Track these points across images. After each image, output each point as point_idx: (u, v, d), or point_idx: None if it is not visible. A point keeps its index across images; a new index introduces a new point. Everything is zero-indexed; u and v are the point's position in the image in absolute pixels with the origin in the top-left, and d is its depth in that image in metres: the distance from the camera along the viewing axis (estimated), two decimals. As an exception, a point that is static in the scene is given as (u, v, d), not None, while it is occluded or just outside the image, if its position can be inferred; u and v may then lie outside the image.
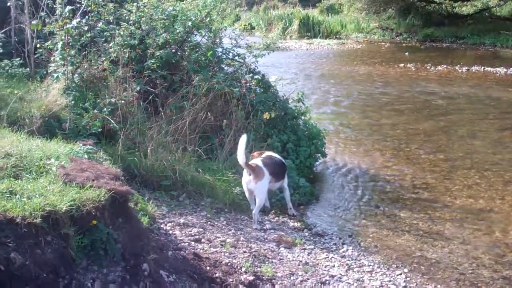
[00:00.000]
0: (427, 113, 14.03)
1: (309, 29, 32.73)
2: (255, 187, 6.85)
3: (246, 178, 6.89)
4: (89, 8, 8.48)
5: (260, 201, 6.88)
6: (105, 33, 8.47)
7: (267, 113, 8.61)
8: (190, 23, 8.96)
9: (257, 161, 7.04)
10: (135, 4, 8.89)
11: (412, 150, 10.75)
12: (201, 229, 6.13)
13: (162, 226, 5.82)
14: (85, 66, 7.95)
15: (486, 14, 31.98)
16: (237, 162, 7.67)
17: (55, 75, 7.75)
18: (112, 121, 7.27)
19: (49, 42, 8.10)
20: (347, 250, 6.53)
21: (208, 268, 5.11)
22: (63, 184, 4.20)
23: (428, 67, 21.02)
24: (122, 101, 7.61)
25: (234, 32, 10.30)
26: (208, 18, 9.22)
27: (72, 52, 7.73)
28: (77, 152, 4.98)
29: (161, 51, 8.47)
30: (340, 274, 5.79)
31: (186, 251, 5.27)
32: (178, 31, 8.90)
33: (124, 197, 4.46)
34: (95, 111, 7.26)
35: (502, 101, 15.38)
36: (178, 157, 7.35)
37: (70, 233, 3.88)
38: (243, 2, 43.35)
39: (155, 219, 5.65)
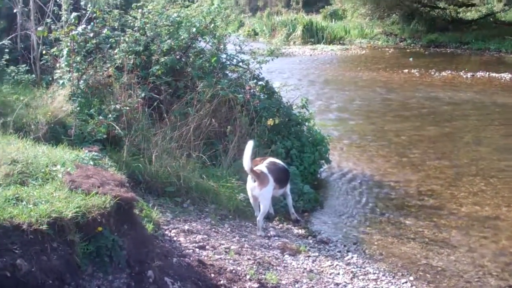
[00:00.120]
0: (432, 119, 14.02)
1: (312, 34, 32.80)
2: (260, 193, 6.85)
3: (251, 184, 6.89)
4: (94, 15, 8.51)
5: (265, 207, 6.88)
6: (110, 40, 8.49)
7: (271, 119, 8.61)
8: (194, 30, 8.98)
9: (261, 167, 7.04)
10: (140, 10, 8.92)
11: (417, 157, 10.73)
12: (206, 236, 6.12)
13: (166, 232, 5.81)
14: (91, 73, 7.97)
15: (491, 19, 31.98)
16: (240, 169, 7.68)
17: (61, 81, 7.76)
18: (117, 127, 7.28)
19: (55, 48, 8.13)
20: (352, 257, 6.50)
21: (212, 275, 5.10)
22: (69, 191, 4.21)
23: (433, 73, 21.02)
24: (127, 108, 7.62)
25: (238, 38, 10.32)
26: (213, 25, 9.24)
27: (78, 58, 7.75)
28: (82, 159, 4.99)
29: (165, 57, 8.49)
30: (345, 282, 5.78)
31: (191, 258, 5.26)
32: (182, 37, 8.92)
33: (129, 204, 4.46)
34: (100, 117, 7.27)
35: (508, 107, 15.36)
36: (182, 164, 7.35)
37: (75, 239, 3.88)
38: (247, 8, 43.47)
39: (160, 225, 5.65)
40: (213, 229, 6.48)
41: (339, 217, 7.96)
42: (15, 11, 8.86)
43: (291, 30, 33.71)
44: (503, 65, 23.10)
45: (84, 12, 8.58)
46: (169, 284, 4.52)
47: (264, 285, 5.22)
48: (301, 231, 7.24)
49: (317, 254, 6.46)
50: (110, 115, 7.36)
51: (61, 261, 3.76)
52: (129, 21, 9.06)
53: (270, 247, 6.40)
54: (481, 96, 16.89)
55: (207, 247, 5.79)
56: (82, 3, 8.54)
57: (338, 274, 5.97)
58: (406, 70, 21.69)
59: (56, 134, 6.84)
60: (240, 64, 9.77)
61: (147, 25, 8.79)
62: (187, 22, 9.05)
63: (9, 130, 6.17)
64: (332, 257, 6.46)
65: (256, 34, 35.80)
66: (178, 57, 8.84)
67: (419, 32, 31.85)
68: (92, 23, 8.40)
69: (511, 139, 12.02)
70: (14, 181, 4.28)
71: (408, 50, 28.91)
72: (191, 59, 8.99)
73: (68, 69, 7.78)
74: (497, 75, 20.23)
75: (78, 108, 7.32)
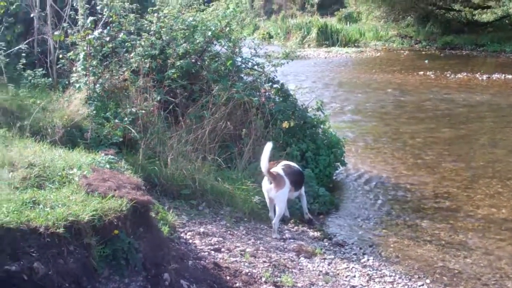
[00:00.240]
0: (448, 121, 13.94)
1: (327, 37, 32.76)
2: (276, 195, 6.86)
3: (267, 186, 6.89)
4: (111, 19, 8.57)
5: (280, 210, 6.87)
6: (126, 44, 8.54)
7: (286, 122, 8.61)
8: (210, 33, 9.01)
9: (278, 169, 7.05)
10: (155, 14, 8.97)
11: (432, 159, 10.67)
12: (221, 238, 6.13)
13: (182, 235, 5.84)
14: (107, 76, 8.02)
15: (507, 21, 31.73)
16: (255, 171, 7.70)
17: (77, 85, 7.82)
18: (133, 130, 7.32)
19: (71, 52, 8.18)
20: (368, 260, 6.48)
21: (228, 277, 5.10)
22: (86, 194, 4.24)
23: (448, 75, 20.90)
24: (143, 111, 7.66)
25: (253, 42, 10.34)
26: (228, 28, 9.27)
27: (94, 62, 7.80)
28: (99, 162, 5.03)
29: (181, 61, 8.52)
30: (361, 284, 5.76)
31: (206, 261, 5.27)
32: (198, 41, 8.95)
33: (146, 207, 4.49)
34: (116, 120, 7.32)
35: (524, 109, 15.24)
36: (197, 166, 7.37)
37: (92, 242, 3.91)
38: (262, 11, 43.52)
39: (175, 228, 5.67)
40: (229, 232, 6.49)
41: (355, 220, 7.94)
42: (32, 15, 8.94)
43: (305, 33, 33.68)
44: (519, 67, 22.91)
45: (100, 16, 8.63)
46: (185, 286, 4.53)
47: (279, 288, 5.22)
48: (317, 234, 7.22)
49: (332, 256, 6.44)
50: (126, 119, 7.40)
51: (78, 264, 3.79)
52: (145, 25, 9.12)
53: (286, 250, 6.39)
54: (497, 98, 16.77)
55: (222, 249, 5.80)
56: (98, 7, 8.59)
57: (354, 276, 5.95)
58: (421, 72, 21.59)
59: (72, 137, 6.89)
60: (255, 67, 9.78)
61: (163, 29, 8.83)
62: (203, 26, 9.08)
63: (26, 134, 6.22)
64: (348, 259, 6.44)
65: (270, 37, 35.84)
66: (193, 60, 8.87)
67: (434, 34, 31.69)
68: (108, 27, 8.46)
69: (528, 141, 11.91)
70: (31, 184, 4.32)
71: (423, 52, 28.78)
72: (206, 63, 9.03)
73: (84, 73, 7.84)
74: (513, 77, 20.07)
75: (94, 112, 7.37)
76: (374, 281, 5.90)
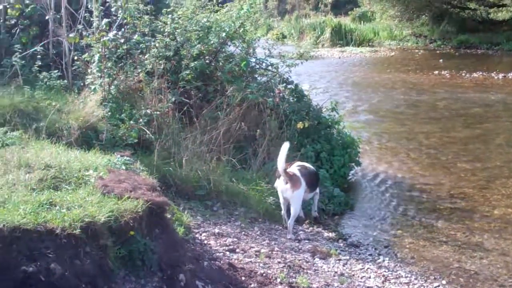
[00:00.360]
0: (463, 121, 13.83)
1: (341, 37, 32.62)
2: (292, 195, 6.83)
3: (283, 186, 6.87)
4: (125, 21, 8.61)
5: (295, 210, 6.86)
6: (140, 45, 8.57)
7: (300, 122, 8.60)
8: (224, 34, 9.02)
9: (294, 169, 7.03)
10: (170, 16, 8.99)
11: (448, 159, 10.60)
12: (236, 239, 6.14)
13: (197, 236, 5.85)
14: (121, 78, 8.05)
15: (523, 20, 31.44)
16: (270, 172, 7.70)
17: (92, 87, 7.86)
18: (148, 131, 7.35)
19: (86, 54, 8.23)
20: (383, 261, 6.46)
21: (243, 278, 5.11)
22: (102, 195, 4.27)
23: (463, 74, 20.74)
24: (158, 112, 7.69)
25: (267, 42, 10.34)
26: (242, 29, 9.27)
27: (109, 64, 7.84)
28: (114, 163, 5.05)
29: (195, 62, 8.54)
30: (376, 285, 5.74)
31: (221, 261, 5.28)
32: (212, 42, 8.97)
33: (161, 208, 4.51)
34: (131, 122, 7.35)
35: (541, 108, 15.10)
36: (212, 167, 7.39)
37: (108, 243, 3.94)
38: (275, 11, 43.49)
39: (190, 229, 5.69)
40: (243, 232, 6.49)
41: (370, 220, 7.91)
42: (47, 18, 9.00)
43: (319, 33, 33.58)
44: (536, 65, 22.67)
45: (114, 18, 8.67)
46: (200, 287, 4.55)
47: (295, 289, 5.21)
48: (332, 234, 7.20)
49: (348, 257, 6.43)
50: (141, 120, 7.43)
51: (94, 265, 3.81)
52: (159, 27, 9.14)
53: (300, 251, 6.38)
54: (514, 97, 16.63)
55: (237, 250, 5.81)
56: (112, 9, 8.63)
57: (370, 277, 5.93)
58: (436, 72, 21.44)
59: (88, 139, 6.94)
60: (269, 67, 9.77)
61: (177, 30, 8.85)
62: (217, 26, 9.09)
63: (42, 135, 6.28)
64: (363, 260, 6.42)
65: (284, 37, 35.79)
66: (208, 61, 8.89)
67: (449, 33, 31.42)
68: (122, 29, 8.50)
69: (544, 140, 11.80)
70: (48, 186, 4.36)
71: (438, 52, 28.57)
72: (220, 64, 9.03)
73: (99, 74, 7.88)
74: (530, 76, 19.88)
75: (109, 113, 7.41)
76: (390, 282, 5.88)
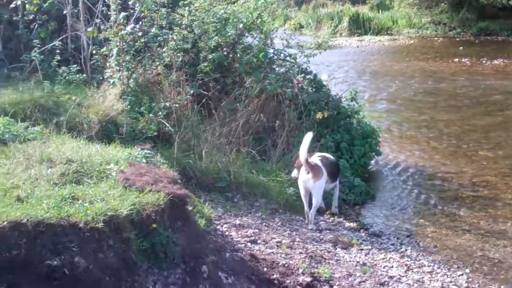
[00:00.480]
0: (484, 108, 13.68)
1: (359, 26, 32.33)
2: (313, 186, 6.80)
3: (304, 177, 6.84)
4: (142, 14, 8.61)
5: (317, 201, 6.84)
6: (158, 38, 8.57)
7: (320, 113, 8.56)
8: (241, 25, 8.99)
9: (315, 159, 7.01)
10: (187, 8, 8.97)
11: (469, 147, 10.50)
12: (257, 230, 6.15)
13: (218, 227, 5.86)
14: (140, 71, 8.07)
15: (543, 5, 30.90)
16: (289, 163, 7.69)
17: (111, 80, 7.88)
18: (167, 124, 7.37)
19: (105, 48, 8.24)
20: (406, 250, 6.43)
21: (265, 269, 5.12)
22: (123, 189, 4.28)
23: (484, 62, 20.47)
24: (177, 105, 7.70)
25: (285, 33, 10.29)
26: (259, 20, 9.22)
27: (127, 57, 7.85)
28: (135, 157, 5.07)
29: (213, 54, 8.53)
30: (399, 275, 5.72)
31: (243, 253, 5.29)
32: (229, 33, 8.94)
33: (183, 201, 4.52)
34: (151, 115, 7.37)
35: None
36: (232, 159, 7.39)
37: (131, 236, 3.95)
38: (292, 1, 43.27)
39: (212, 220, 5.70)
40: (264, 223, 6.50)
41: (391, 210, 7.87)
42: (65, 12, 9.03)
43: (337, 22, 33.35)
44: (557, 51, 22.34)
45: (132, 11, 8.68)
46: (223, 278, 4.56)
47: (317, 279, 5.21)
48: (353, 224, 7.18)
49: (369, 247, 6.41)
50: (160, 113, 7.45)
51: (117, 258, 3.84)
52: (177, 19, 9.13)
53: (322, 241, 6.38)
54: (535, 84, 16.40)
55: (258, 241, 5.82)
56: (130, 2, 8.64)
57: (392, 267, 5.91)
58: (456, 60, 21.19)
59: (108, 132, 6.98)
60: (288, 58, 9.73)
61: (195, 22, 8.83)
62: (234, 18, 9.06)
63: (63, 130, 6.32)
64: (385, 250, 6.40)
65: (301, 27, 35.59)
66: (225, 53, 8.87)
67: (469, 20, 30.98)
68: (140, 22, 8.50)
69: None
70: (70, 180, 4.38)
71: (457, 39, 28.22)
72: (238, 55, 9.01)
73: (118, 68, 7.89)
74: (551, 62, 19.59)
75: (128, 107, 7.44)
76: (413, 271, 5.86)
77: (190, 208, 4.95)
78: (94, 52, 8.51)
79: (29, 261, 3.43)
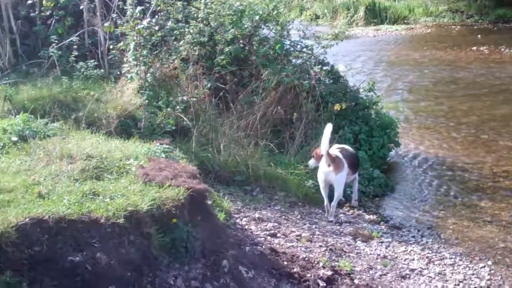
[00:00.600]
0: (504, 97, 13.48)
1: (375, 15, 32.05)
2: (335, 178, 6.75)
3: (325, 169, 6.77)
4: (158, 8, 8.62)
5: (339, 193, 6.80)
6: (175, 32, 8.57)
7: (337, 104, 8.50)
8: (257, 17, 8.95)
9: (335, 151, 6.95)
10: (202, 1, 8.95)
11: (489, 137, 10.37)
12: (276, 224, 6.13)
13: (238, 221, 5.86)
14: (157, 65, 8.08)
15: None
16: (307, 155, 7.66)
17: (129, 75, 7.90)
18: (185, 118, 7.38)
19: (122, 43, 8.27)
20: (427, 242, 6.37)
21: (285, 263, 5.11)
22: (143, 184, 4.30)
23: (502, 50, 20.17)
24: (194, 99, 7.70)
25: (301, 24, 10.23)
26: (275, 11, 9.17)
27: (144, 52, 7.85)
28: (154, 152, 5.07)
29: (230, 47, 8.51)
30: (420, 267, 5.67)
31: (263, 246, 5.28)
32: (246, 26, 8.91)
33: (202, 195, 4.53)
34: (169, 109, 7.38)
35: None
36: (250, 152, 7.38)
37: (151, 231, 3.96)
38: (307, -9, 42.95)
39: (231, 214, 5.70)
40: (283, 217, 6.48)
41: (411, 202, 7.80)
42: (81, 7, 9.07)
43: (353, 12, 33.12)
44: None
45: (148, 5, 8.69)
46: (244, 272, 4.56)
47: (337, 272, 5.18)
48: (373, 217, 7.13)
49: (390, 239, 6.36)
50: (178, 107, 7.45)
51: (139, 253, 3.86)
52: (193, 12, 9.11)
53: (342, 234, 6.35)
54: (555, 71, 16.16)
55: (278, 234, 5.80)
56: (146, -4, 8.67)
57: (413, 259, 5.87)
58: (474, 48, 20.92)
59: (126, 127, 7.01)
60: (304, 49, 9.66)
61: (211, 15, 8.81)
62: (250, 10, 9.02)
63: (82, 125, 6.35)
64: (406, 242, 6.35)
65: (317, 17, 35.36)
66: (242, 46, 8.85)
67: (487, 7, 30.58)
68: (156, 16, 8.51)
69: None
70: (90, 176, 4.40)
71: (475, 27, 27.86)
72: (255, 47, 8.97)
73: (135, 63, 7.91)
74: None
75: (146, 101, 7.46)
76: (434, 264, 5.81)
77: (209, 202, 4.95)
78: (111, 47, 8.54)
79: (51, 257, 3.46)
